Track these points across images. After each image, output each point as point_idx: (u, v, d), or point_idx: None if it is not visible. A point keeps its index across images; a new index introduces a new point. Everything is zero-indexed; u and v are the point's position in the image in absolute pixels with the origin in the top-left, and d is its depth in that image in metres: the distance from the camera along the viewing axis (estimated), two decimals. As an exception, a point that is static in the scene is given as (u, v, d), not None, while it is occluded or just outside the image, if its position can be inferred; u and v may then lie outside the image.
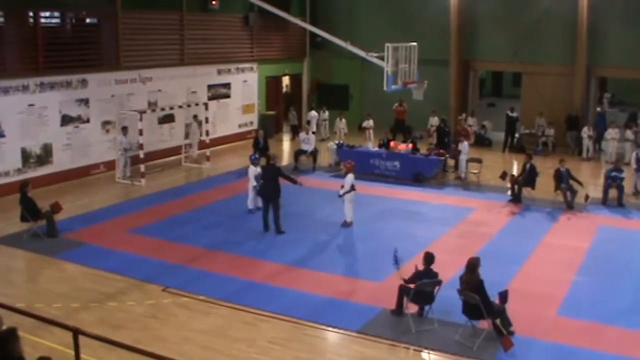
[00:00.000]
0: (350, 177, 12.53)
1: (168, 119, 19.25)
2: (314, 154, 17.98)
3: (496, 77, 35.49)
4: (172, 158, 18.97)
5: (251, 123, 23.16)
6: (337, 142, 18.51)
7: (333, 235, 12.35)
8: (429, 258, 8.43)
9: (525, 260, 10.98)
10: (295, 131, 19.40)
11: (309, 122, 21.30)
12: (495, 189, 15.92)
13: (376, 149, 18.01)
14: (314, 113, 21.98)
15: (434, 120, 21.51)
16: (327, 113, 22.59)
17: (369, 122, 21.29)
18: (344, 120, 21.54)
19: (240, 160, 18.66)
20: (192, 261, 10.67)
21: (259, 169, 13.30)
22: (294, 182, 12.16)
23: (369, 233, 12.42)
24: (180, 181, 16.86)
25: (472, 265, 8.06)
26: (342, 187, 12.49)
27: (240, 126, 22.69)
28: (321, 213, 13.65)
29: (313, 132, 19.74)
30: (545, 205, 14.47)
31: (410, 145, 17.49)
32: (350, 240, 12.17)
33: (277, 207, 11.77)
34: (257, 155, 14.14)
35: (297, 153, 18.07)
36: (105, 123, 17.21)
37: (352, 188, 12.48)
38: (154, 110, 17.83)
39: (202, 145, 18.90)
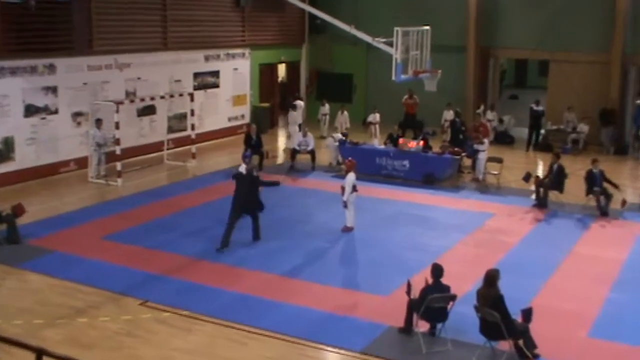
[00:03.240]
0: (350, 177, 12.59)
1: (148, 111, 19.34)
2: (312, 152, 18.09)
3: (520, 66, 35.62)
4: (153, 155, 19.02)
5: (242, 116, 23.29)
6: (339, 135, 18.45)
7: (333, 242, 12.39)
8: (436, 270, 8.44)
9: (552, 273, 10.98)
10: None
11: (294, 107, 21.29)
12: (518, 193, 15.97)
13: (383, 146, 18.08)
14: (300, 102, 22.01)
15: (449, 115, 21.53)
16: (327, 106, 22.60)
17: (375, 117, 21.33)
18: (346, 113, 21.54)
19: (229, 159, 18.70)
20: (175, 271, 10.71)
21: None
22: (275, 183, 12.38)
23: (373, 240, 12.45)
24: (162, 181, 16.91)
25: (491, 278, 8.05)
26: (343, 189, 12.51)
27: (230, 120, 22.78)
28: (320, 217, 13.72)
29: (299, 125, 19.91)
30: (575, 211, 14.51)
31: (422, 143, 17.50)
32: (352, 249, 12.19)
33: (257, 217, 11.98)
34: (249, 153, 14.14)
35: (294, 151, 18.15)
36: (77, 114, 17.23)
37: (354, 189, 12.54)
38: (132, 101, 17.87)
39: (187, 141, 18.96)
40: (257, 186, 11.84)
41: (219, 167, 17.97)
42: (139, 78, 18.98)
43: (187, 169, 18.15)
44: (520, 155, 20.81)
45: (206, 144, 20.75)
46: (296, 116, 21.14)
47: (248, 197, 11.68)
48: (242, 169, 12.44)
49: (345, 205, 12.44)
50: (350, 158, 13.30)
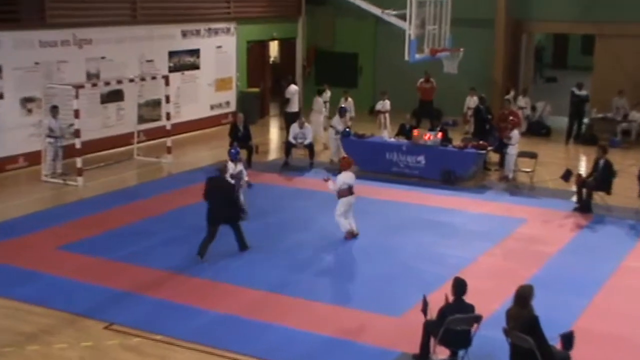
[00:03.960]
0: (343, 176, 12.76)
1: (114, 96, 19.40)
2: (310, 146, 18.13)
3: (559, 43, 35.58)
4: (121, 149, 19.08)
5: (227, 104, 23.34)
6: (340, 125, 18.44)
7: (334, 252, 12.41)
8: (458, 286, 8.41)
9: (597, 290, 10.94)
10: (290, 120, 19.47)
11: (288, 101, 21.42)
12: (555, 194, 15.99)
13: (394, 139, 18.09)
14: (294, 87, 22.07)
15: (472, 102, 21.51)
16: (328, 93, 22.52)
17: (385, 104, 21.31)
18: (350, 100, 21.37)
19: (212, 154, 18.72)
20: (146, 288, 10.70)
21: (240, 167, 13.46)
22: (242, 213, 12.36)
23: (382, 250, 12.47)
24: (131, 180, 16.93)
25: (523, 297, 8.02)
26: (328, 180, 12.74)
27: (212, 108, 22.83)
28: (318, 223, 13.69)
29: (295, 113, 20.01)
30: (626, 215, 14.46)
31: (440, 135, 17.43)
32: (357, 260, 12.20)
33: (239, 227, 12.02)
34: (238, 149, 14.24)
35: (288, 145, 18.18)
36: (27, 100, 17.24)
37: (350, 191, 12.69)
38: (95, 85, 17.89)
39: (162, 133, 18.98)
40: (232, 193, 11.86)
41: (199, 164, 17.97)
42: (102, 57, 18.99)
43: (161, 166, 18.17)
44: (559, 149, 20.84)
45: (184, 137, 20.74)
46: (321, 104, 21.19)
47: (222, 206, 11.70)
48: (230, 168, 12.48)
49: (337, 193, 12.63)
50: (345, 155, 13.51)
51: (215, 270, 11.39)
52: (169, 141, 18.56)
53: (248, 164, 17.23)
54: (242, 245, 12.07)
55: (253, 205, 13.96)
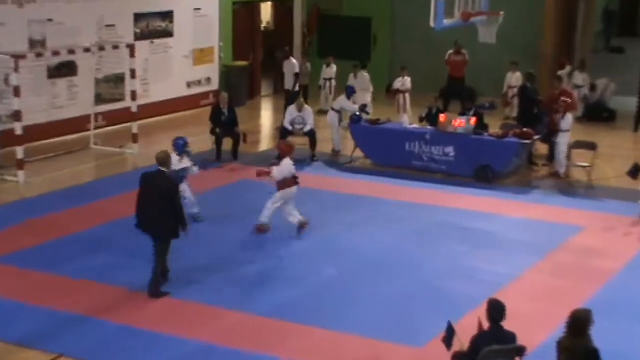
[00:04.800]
0: (287, 163, 13.11)
1: (66, 70, 19.36)
2: (311, 134, 18.08)
3: (627, 4, 35.28)
4: (74, 137, 19.03)
5: (208, 81, 23.42)
6: (344, 102, 18.44)
7: (340, 265, 12.35)
8: (495, 310, 8.32)
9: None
10: (291, 100, 19.54)
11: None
12: (620, 195, 15.97)
13: (415, 125, 18.03)
14: (293, 61, 22.25)
15: (515, 79, 21.53)
16: (334, 67, 22.56)
17: (404, 82, 21.19)
18: (365, 75, 21.51)
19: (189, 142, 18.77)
20: (104, 311, 10.61)
21: (187, 163, 13.41)
22: (184, 226, 11.32)
23: (401, 265, 12.45)
24: (87, 176, 16.97)
25: (579, 324, 7.95)
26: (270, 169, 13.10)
27: (189, 86, 22.90)
28: (321, 231, 13.78)
29: (294, 91, 20.13)
30: None
31: (473, 120, 17.29)
32: (370, 276, 12.10)
33: (164, 250, 11.36)
34: (186, 138, 13.79)
35: (284, 132, 18.13)
36: (-51, 74, 17.25)
37: (295, 181, 13.22)
38: (40, 55, 17.81)
39: (126, 116, 18.91)
40: (172, 195, 11.22)
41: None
42: (50, 20, 18.85)
43: (125, 157, 18.13)
44: (625, 137, 20.87)
45: (154, 122, 20.74)
46: (367, 79, 21.26)
47: (156, 212, 11.10)
48: (174, 162, 12.26)
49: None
50: (287, 140, 14.30)
51: (193, 289, 11.29)
52: (134, 127, 18.45)
53: (234, 155, 17.47)
54: (160, 273, 11.29)
55: (239, 207, 14.08)
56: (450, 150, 17.09)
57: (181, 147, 13.53)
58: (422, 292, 11.43)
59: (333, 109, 18.97)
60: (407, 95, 21.08)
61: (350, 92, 19.01)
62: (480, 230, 13.99)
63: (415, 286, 11.70)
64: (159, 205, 10.97)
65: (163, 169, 11.20)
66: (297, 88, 21.39)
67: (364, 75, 21.52)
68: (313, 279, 11.91)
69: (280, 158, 13.29)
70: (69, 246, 12.80)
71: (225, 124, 17.26)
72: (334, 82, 22.79)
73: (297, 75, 21.77)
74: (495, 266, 12.40)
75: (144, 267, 11.74)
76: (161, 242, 11.17)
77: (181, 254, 11.87)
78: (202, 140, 17.73)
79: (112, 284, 11.43)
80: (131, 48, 18.78)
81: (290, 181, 13.23)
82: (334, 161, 18.19)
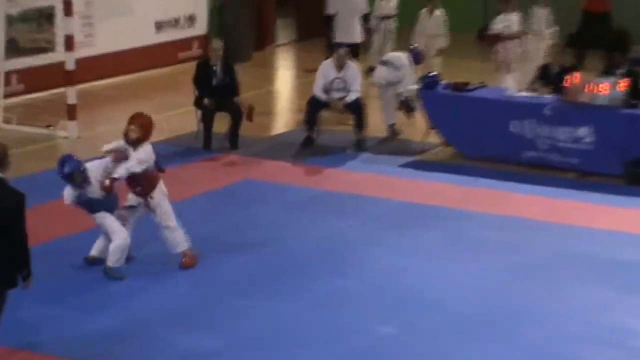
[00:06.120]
0: (141, 151, 11.03)
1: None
2: (356, 107, 15.23)
3: None
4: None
5: (191, 20, 20.38)
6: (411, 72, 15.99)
7: (401, 322, 10.18)
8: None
9: None
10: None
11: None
12: None
13: (527, 94, 15.24)
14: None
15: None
16: (394, 1, 19.48)
17: (511, 22, 17.87)
18: (438, 14, 18.33)
19: (160, 120, 16.70)
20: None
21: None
22: (25, 269, 9.54)
23: (513, 317, 10.29)
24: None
25: None
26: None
27: (159, 28, 19.91)
28: (369, 260, 11.67)
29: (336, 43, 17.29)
30: None
31: (623, 85, 14.61)
32: (448, 339, 9.90)
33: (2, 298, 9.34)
34: (71, 171, 11.09)
35: (313, 107, 15.36)
36: None
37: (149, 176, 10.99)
38: None
39: (56, 77, 16.36)
40: (13, 224, 9.03)
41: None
42: None
43: (55, 143, 16.08)
44: None
45: (102, 86, 18.28)
46: (441, 21, 18.55)
47: None
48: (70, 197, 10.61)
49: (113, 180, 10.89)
50: (118, 148, 11.62)
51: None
52: (71, 94, 15.73)
53: (232, 142, 14.92)
54: None
55: (245, 222, 12.47)
56: (585, 132, 14.34)
57: (69, 176, 11.10)
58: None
59: (384, 63, 16.08)
60: (515, 43, 17.80)
61: (417, 58, 16.14)
62: (637, 265, 11.49)
63: (534, 350, 9.65)
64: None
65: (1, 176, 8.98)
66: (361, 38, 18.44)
67: (438, 16, 18.60)
68: (357, 341, 9.74)
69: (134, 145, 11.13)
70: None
71: (217, 91, 14.50)
72: (393, 23, 19.55)
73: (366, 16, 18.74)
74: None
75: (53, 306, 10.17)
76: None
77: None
78: (180, 116, 15.96)
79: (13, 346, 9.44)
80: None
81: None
82: (393, 148, 15.35)
